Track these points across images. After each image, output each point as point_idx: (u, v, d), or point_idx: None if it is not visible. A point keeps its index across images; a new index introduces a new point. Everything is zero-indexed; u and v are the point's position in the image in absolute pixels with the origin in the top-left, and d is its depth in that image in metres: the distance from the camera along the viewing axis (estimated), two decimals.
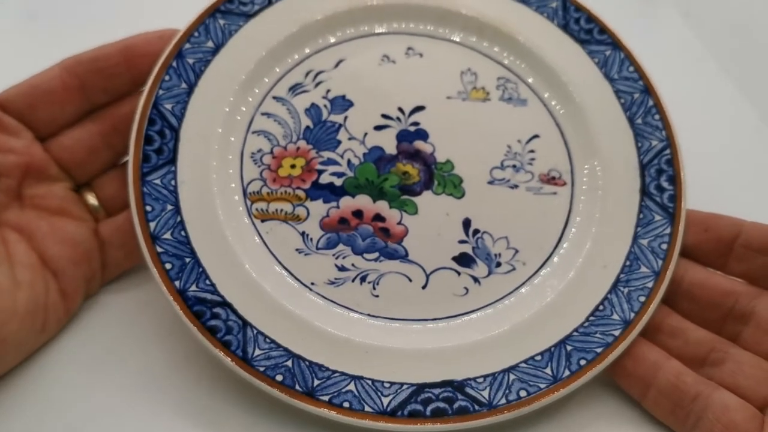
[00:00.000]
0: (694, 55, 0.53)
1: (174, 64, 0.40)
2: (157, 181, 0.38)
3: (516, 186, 0.41)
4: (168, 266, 0.36)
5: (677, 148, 0.40)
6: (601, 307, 0.37)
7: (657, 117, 0.41)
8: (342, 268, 0.38)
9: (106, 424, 0.35)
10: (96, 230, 0.39)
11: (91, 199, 0.40)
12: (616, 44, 0.43)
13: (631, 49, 0.42)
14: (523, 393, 0.35)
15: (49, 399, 0.36)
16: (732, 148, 0.48)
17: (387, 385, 0.35)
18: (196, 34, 0.41)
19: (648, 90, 0.42)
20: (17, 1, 0.55)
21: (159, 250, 0.36)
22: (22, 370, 0.37)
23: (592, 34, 0.43)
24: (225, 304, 0.36)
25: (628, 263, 0.38)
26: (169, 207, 0.37)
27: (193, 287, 0.36)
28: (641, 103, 0.41)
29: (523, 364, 0.36)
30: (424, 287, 0.38)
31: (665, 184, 0.40)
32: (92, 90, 0.38)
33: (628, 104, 0.41)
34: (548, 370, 0.35)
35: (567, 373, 0.35)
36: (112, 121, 0.39)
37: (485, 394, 0.35)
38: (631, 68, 0.42)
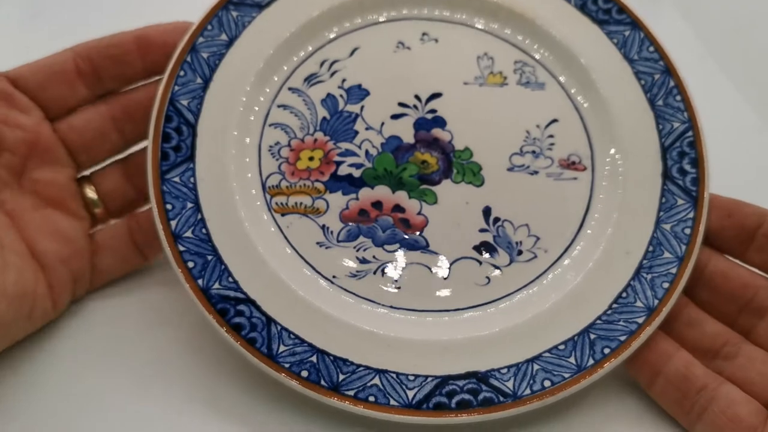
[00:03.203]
0: (694, 55, 0.52)
1: (188, 58, 0.40)
2: (177, 179, 0.38)
3: (536, 172, 0.40)
4: (190, 264, 0.36)
5: (699, 129, 0.40)
6: (624, 295, 0.37)
7: (678, 98, 0.40)
8: (363, 261, 0.38)
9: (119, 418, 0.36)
10: (91, 233, 0.39)
11: (90, 193, 0.40)
12: (636, 24, 0.42)
13: (650, 29, 0.42)
14: (547, 383, 0.35)
15: (60, 391, 0.36)
16: (731, 149, 0.47)
17: (411, 378, 0.35)
18: (209, 27, 0.40)
19: (669, 70, 0.41)
20: (18, 0, 0.55)
21: (181, 248, 0.36)
22: (27, 365, 0.37)
23: (611, 14, 0.42)
24: (248, 301, 0.36)
25: (651, 249, 0.38)
26: (189, 205, 0.37)
27: (216, 285, 0.36)
28: (662, 84, 0.41)
29: (547, 354, 0.36)
30: (445, 278, 0.38)
31: (688, 167, 0.39)
32: (104, 76, 0.38)
33: (649, 85, 0.41)
34: (572, 359, 0.35)
35: (591, 361, 0.35)
36: (124, 106, 0.39)
37: (509, 384, 0.35)
38: (651, 48, 0.41)
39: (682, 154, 0.39)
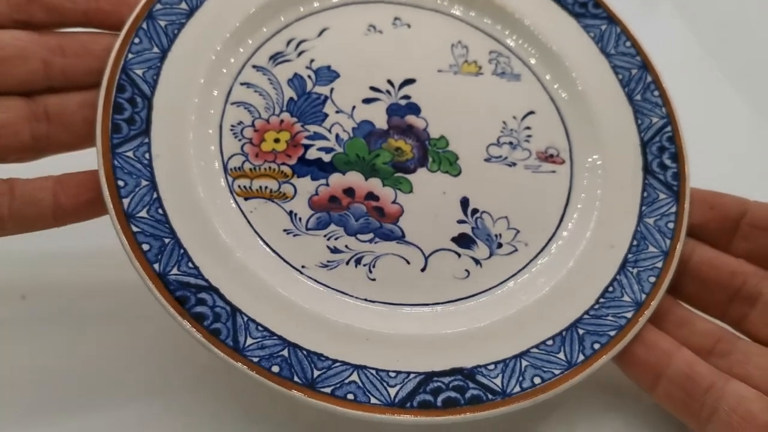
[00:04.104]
0: (693, 55, 0.52)
1: (144, 25, 0.36)
2: (130, 154, 0.34)
3: (513, 164, 0.39)
4: (145, 247, 0.32)
5: (678, 124, 0.39)
6: (610, 289, 0.35)
7: (656, 93, 0.40)
8: (335, 250, 0.35)
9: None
10: None
11: None
12: (612, 18, 0.41)
13: (626, 24, 0.41)
14: (537, 380, 0.33)
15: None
16: (730, 148, 0.47)
17: (392, 374, 0.32)
18: None
19: (646, 65, 0.40)
20: None
21: (135, 229, 0.32)
22: None
23: (587, 8, 0.41)
24: (211, 289, 0.32)
25: (635, 243, 0.36)
26: (144, 182, 0.33)
27: (175, 270, 0.32)
28: (639, 79, 0.40)
29: (535, 350, 0.33)
30: (423, 270, 0.36)
31: (668, 162, 0.38)
32: (36, 1, 0.34)
33: (626, 80, 0.40)
34: (561, 355, 0.33)
35: (581, 357, 0.33)
36: (60, 42, 0.34)
37: (498, 381, 0.32)
38: (628, 43, 0.41)
39: (662, 149, 0.38)
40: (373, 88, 0.39)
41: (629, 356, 0.34)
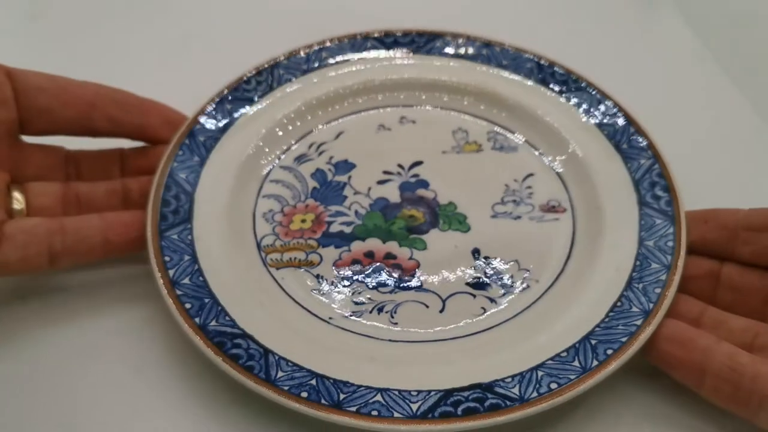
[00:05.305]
0: (694, 55, 0.52)
1: (186, 141, 0.43)
2: (175, 236, 0.39)
3: (519, 217, 0.42)
4: (188, 306, 0.37)
5: (664, 162, 0.42)
6: (619, 304, 0.37)
7: (640, 140, 0.43)
8: (359, 303, 0.39)
9: None
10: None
11: (17, 204, 0.39)
12: (591, 87, 0.46)
13: (605, 90, 0.46)
14: (553, 385, 0.34)
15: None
16: (731, 148, 0.48)
17: (414, 393, 0.34)
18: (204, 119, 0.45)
19: (628, 119, 0.44)
20: (17, 1, 0.55)
21: (179, 293, 0.37)
22: None
23: (568, 83, 0.47)
24: (246, 336, 0.36)
25: (638, 263, 0.38)
26: (187, 257, 0.39)
27: (213, 322, 0.36)
28: (623, 131, 0.44)
29: (550, 361, 0.35)
30: (441, 311, 0.38)
31: (660, 193, 0.41)
32: (99, 111, 0.41)
33: (612, 133, 0.44)
34: (576, 363, 0.35)
35: (595, 362, 0.35)
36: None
37: (515, 390, 0.34)
38: (609, 103, 0.45)
39: (653, 184, 0.41)
40: (385, 172, 0.44)
41: (671, 359, 0.35)
